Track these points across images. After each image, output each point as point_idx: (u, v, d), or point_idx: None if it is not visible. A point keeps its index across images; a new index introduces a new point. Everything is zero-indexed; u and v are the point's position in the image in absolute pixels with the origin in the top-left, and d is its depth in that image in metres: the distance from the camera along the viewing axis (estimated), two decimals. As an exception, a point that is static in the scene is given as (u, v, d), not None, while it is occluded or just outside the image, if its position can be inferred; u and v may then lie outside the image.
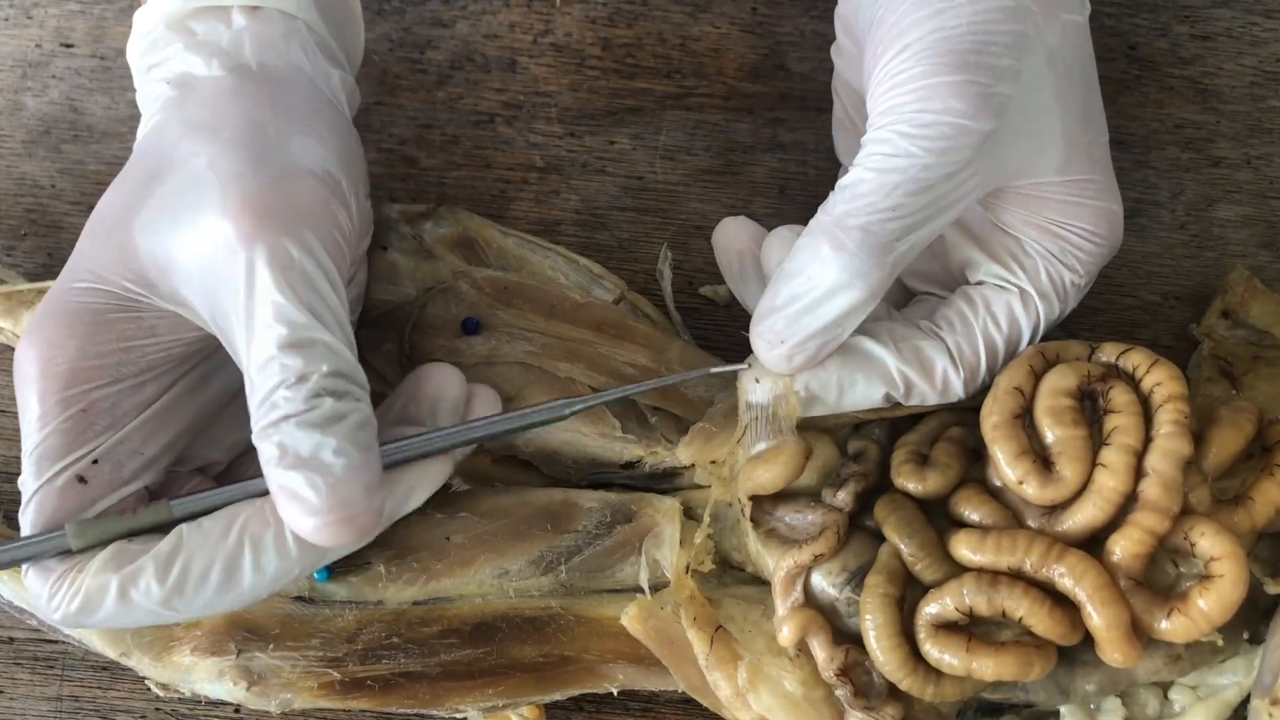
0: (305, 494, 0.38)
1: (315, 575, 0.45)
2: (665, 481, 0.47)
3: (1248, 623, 0.42)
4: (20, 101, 0.56)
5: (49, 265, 0.53)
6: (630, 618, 0.44)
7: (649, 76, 0.57)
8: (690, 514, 0.46)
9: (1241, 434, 0.42)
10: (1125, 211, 0.55)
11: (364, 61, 0.57)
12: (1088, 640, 0.41)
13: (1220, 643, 0.41)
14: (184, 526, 0.41)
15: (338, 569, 0.45)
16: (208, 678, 0.44)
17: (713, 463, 0.46)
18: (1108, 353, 0.43)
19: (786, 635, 0.43)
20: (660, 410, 0.48)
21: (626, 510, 0.46)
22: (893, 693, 0.42)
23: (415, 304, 0.49)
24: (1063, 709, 0.43)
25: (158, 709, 0.48)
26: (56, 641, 0.49)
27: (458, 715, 0.45)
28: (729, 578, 0.46)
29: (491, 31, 0.57)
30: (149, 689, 0.48)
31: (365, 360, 0.47)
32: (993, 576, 0.40)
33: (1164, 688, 0.43)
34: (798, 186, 0.55)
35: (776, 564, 0.43)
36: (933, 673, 0.41)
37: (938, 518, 0.43)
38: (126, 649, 0.45)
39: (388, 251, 0.50)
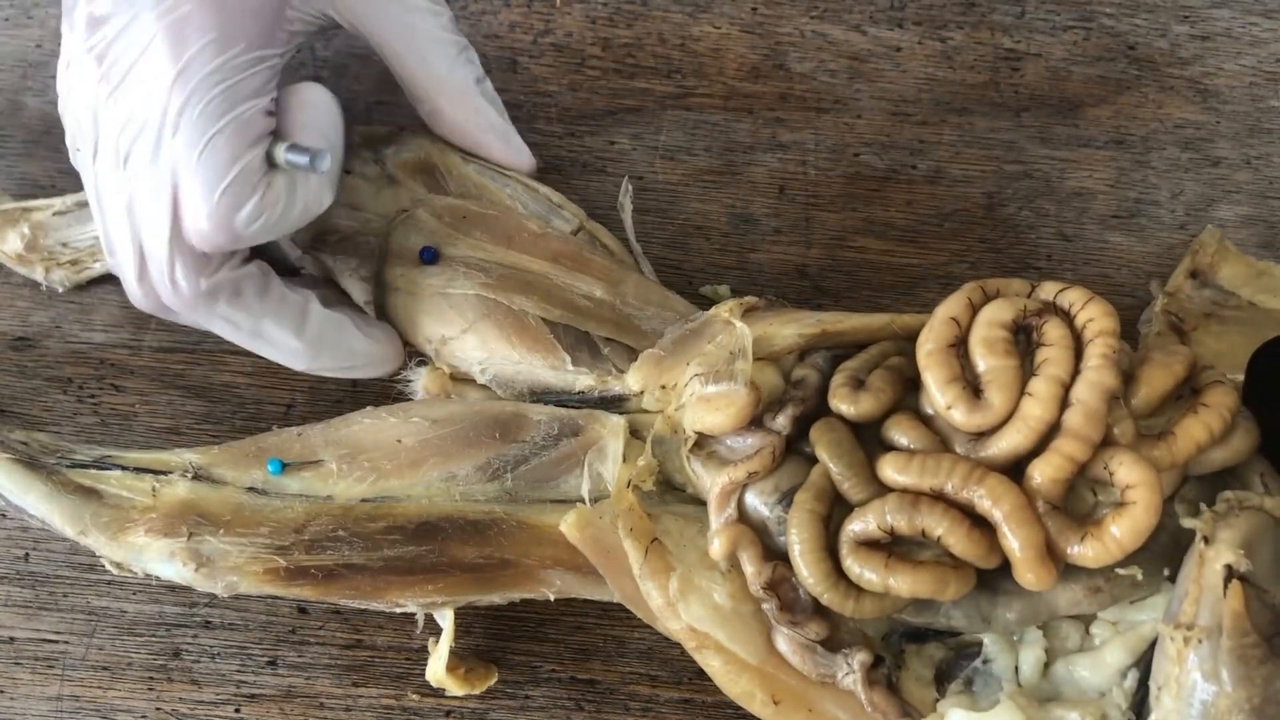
0: None
1: (269, 468, 0.46)
2: (614, 406, 0.48)
3: (1169, 561, 0.43)
4: (20, 101, 0.56)
5: (49, 265, 0.53)
6: (569, 525, 0.45)
7: (649, 76, 0.57)
8: (636, 433, 0.47)
9: (1171, 374, 0.43)
10: (1125, 212, 0.55)
11: (365, 61, 0.57)
12: (1010, 570, 0.41)
13: (1139, 576, 0.41)
14: None
15: (291, 465, 0.46)
16: (159, 558, 0.45)
17: (662, 388, 0.46)
18: (1046, 291, 0.44)
19: (717, 548, 0.43)
20: (613, 342, 0.48)
21: (574, 424, 0.47)
22: (818, 610, 0.43)
23: (385, 234, 0.49)
24: (986, 639, 0.44)
25: (158, 709, 0.48)
26: (56, 641, 0.49)
27: (398, 610, 0.46)
28: (670, 497, 0.47)
29: (492, 31, 0.57)
30: (149, 689, 0.48)
31: (335, 284, 0.50)
32: (915, 497, 0.41)
33: (1085, 622, 0.44)
34: (798, 186, 0.55)
35: (713, 481, 0.44)
36: (853, 589, 0.42)
37: (871, 443, 0.44)
38: (84, 527, 0.46)
39: (350, 175, 0.51)
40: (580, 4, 0.58)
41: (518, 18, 0.58)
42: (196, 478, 0.46)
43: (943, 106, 0.57)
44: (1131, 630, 0.42)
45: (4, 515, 0.51)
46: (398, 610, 0.46)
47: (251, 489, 0.46)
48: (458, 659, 0.47)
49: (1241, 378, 0.45)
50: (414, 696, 0.49)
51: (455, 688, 0.47)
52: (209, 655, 0.49)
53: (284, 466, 0.46)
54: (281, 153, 0.45)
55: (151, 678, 0.49)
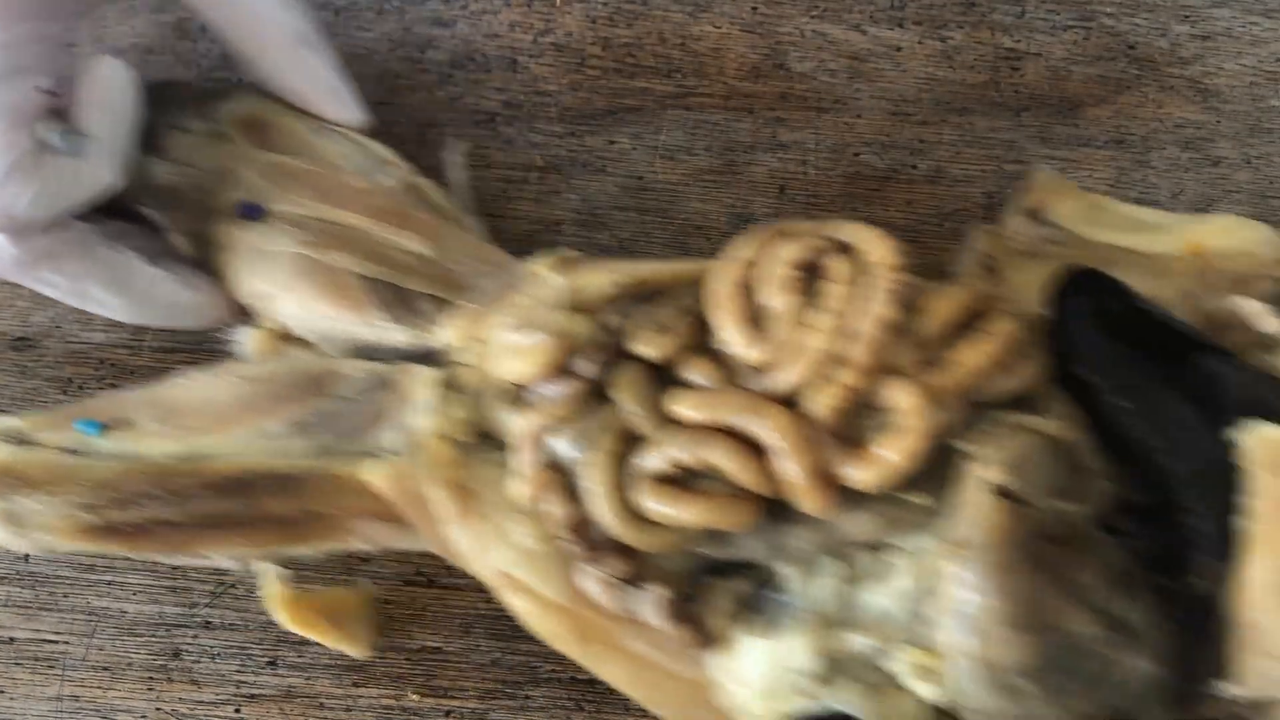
0: None
1: (86, 429, 0.47)
2: (431, 360, 0.48)
3: (957, 486, 0.43)
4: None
5: (49, 265, 0.53)
6: (376, 475, 0.45)
7: (649, 76, 0.57)
8: (451, 386, 0.47)
9: (956, 304, 0.44)
10: (1125, 211, 0.55)
11: (365, 61, 0.57)
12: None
13: (926, 502, 0.42)
14: None
15: (107, 425, 0.47)
16: None
17: (477, 340, 0.47)
18: (837, 231, 0.45)
19: (522, 491, 0.44)
20: (433, 297, 0.49)
21: (387, 379, 0.47)
22: (619, 548, 0.44)
23: (206, 191, 0.50)
24: (784, 569, 0.44)
25: (158, 709, 0.48)
26: (56, 641, 0.49)
27: (205, 562, 0.46)
28: (484, 447, 0.47)
29: (492, 31, 0.57)
30: (149, 689, 0.48)
31: (165, 239, 0.50)
32: (700, 431, 0.42)
33: (880, 550, 0.44)
34: (798, 186, 0.55)
35: (519, 427, 0.45)
36: (647, 523, 0.43)
37: (669, 383, 0.44)
38: None
39: (181, 131, 0.51)
40: (580, 4, 0.58)
41: (518, 17, 0.58)
42: (18, 442, 0.46)
43: (943, 106, 0.57)
44: (920, 555, 0.43)
45: (4, 515, 0.51)
46: (206, 563, 0.46)
47: (67, 450, 0.46)
48: (328, 601, 0.48)
49: (1045, 311, 0.45)
50: (414, 696, 0.49)
51: (297, 627, 0.47)
52: (209, 655, 0.49)
53: (101, 428, 0.47)
54: (49, 135, 0.45)
55: (151, 678, 0.49)
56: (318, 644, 0.49)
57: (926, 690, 0.41)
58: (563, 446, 0.44)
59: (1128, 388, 0.43)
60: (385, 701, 0.49)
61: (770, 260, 0.44)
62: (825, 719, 0.41)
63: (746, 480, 0.42)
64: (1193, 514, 0.40)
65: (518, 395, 0.46)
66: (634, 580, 0.44)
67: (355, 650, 0.48)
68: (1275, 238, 0.49)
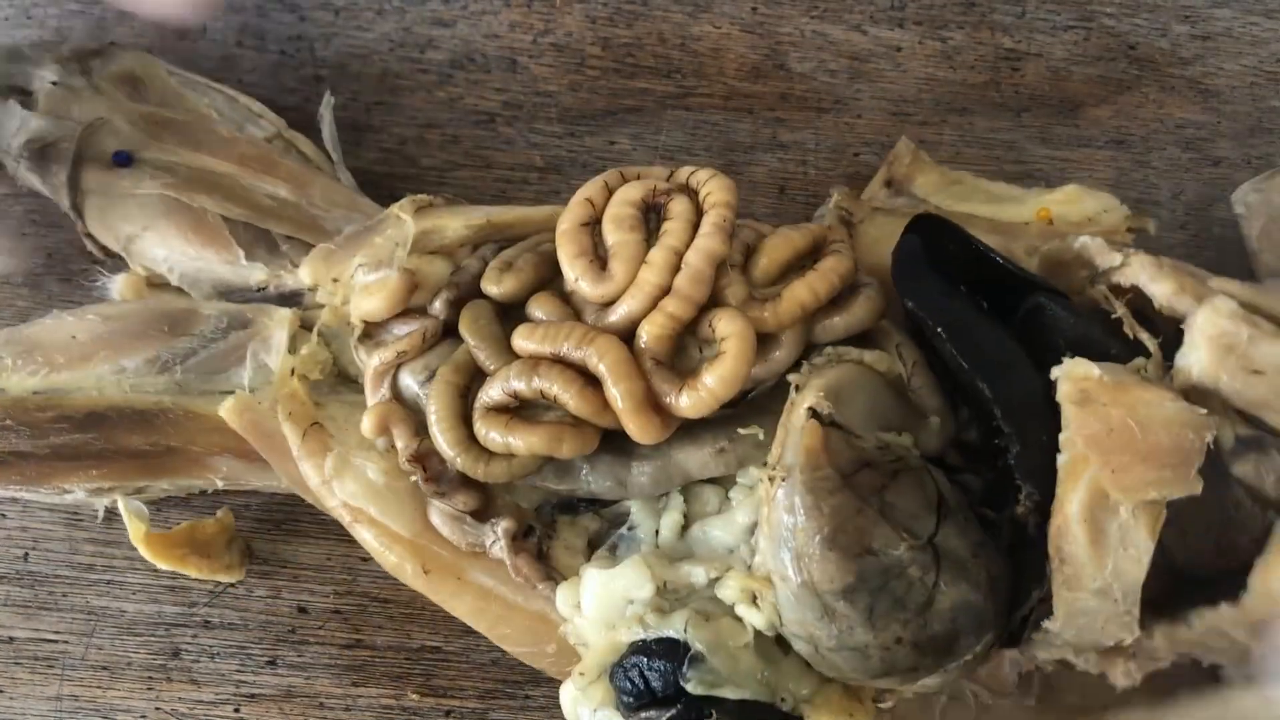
0: None
1: None
2: (292, 301, 0.50)
3: None
4: (20, 101, 0.56)
5: (49, 265, 0.53)
6: (227, 409, 0.47)
7: (649, 76, 0.57)
8: (307, 326, 0.49)
9: (790, 245, 0.44)
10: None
11: (365, 61, 0.57)
12: None
13: (761, 436, 0.43)
14: None
15: None
16: None
17: (334, 280, 0.48)
18: (681, 174, 0.46)
19: (367, 425, 0.45)
20: (295, 240, 0.50)
21: (243, 318, 0.49)
22: (466, 482, 0.44)
23: (77, 139, 0.51)
24: (632, 506, 0.45)
25: (158, 709, 0.48)
26: (56, 641, 0.49)
27: (66, 495, 0.48)
28: (343, 388, 0.49)
29: (492, 31, 0.57)
30: (149, 689, 0.48)
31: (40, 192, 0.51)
32: (535, 361, 0.43)
33: (725, 487, 0.45)
34: (798, 186, 0.55)
35: (367, 362, 0.46)
36: (484, 452, 0.43)
37: (519, 321, 0.45)
38: None
39: (57, 86, 0.52)
40: (580, 4, 0.58)
41: (518, 17, 0.58)
42: None
43: (943, 106, 0.57)
44: (757, 488, 0.43)
45: (4, 515, 0.51)
46: (66, 497, 0.48)
47: None
48: (190, 534, 0.48)
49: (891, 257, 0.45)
50: (414, 696, 0.49)
51: (165, 563, 0.48)
52: (208, 655, 0.49)
53: None
54: None
55: (151, 677, 0.49)
56: (318, 644, 0.49)
57: (753, 616, 0.41)
58: (410, 381, 0.45)
59: (955, 323, 0.43)
60: (385, 701, 0.49)
61: (612, 201, 0.45)
62: (658, 646, 0.41)
63: (579, 409, 0.42)
64: (1016, 447, 0.41)
65: (370, 334, 0.47)
66: (480, 514, 0.44)
67: (229, 577, 0.49)
68: (1117, 205, 0.49)
